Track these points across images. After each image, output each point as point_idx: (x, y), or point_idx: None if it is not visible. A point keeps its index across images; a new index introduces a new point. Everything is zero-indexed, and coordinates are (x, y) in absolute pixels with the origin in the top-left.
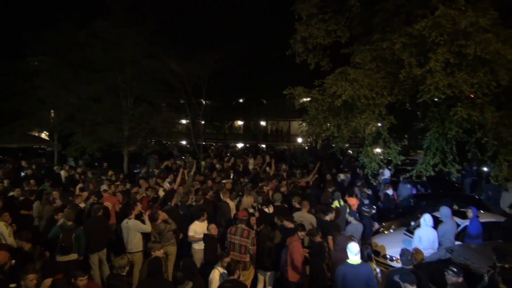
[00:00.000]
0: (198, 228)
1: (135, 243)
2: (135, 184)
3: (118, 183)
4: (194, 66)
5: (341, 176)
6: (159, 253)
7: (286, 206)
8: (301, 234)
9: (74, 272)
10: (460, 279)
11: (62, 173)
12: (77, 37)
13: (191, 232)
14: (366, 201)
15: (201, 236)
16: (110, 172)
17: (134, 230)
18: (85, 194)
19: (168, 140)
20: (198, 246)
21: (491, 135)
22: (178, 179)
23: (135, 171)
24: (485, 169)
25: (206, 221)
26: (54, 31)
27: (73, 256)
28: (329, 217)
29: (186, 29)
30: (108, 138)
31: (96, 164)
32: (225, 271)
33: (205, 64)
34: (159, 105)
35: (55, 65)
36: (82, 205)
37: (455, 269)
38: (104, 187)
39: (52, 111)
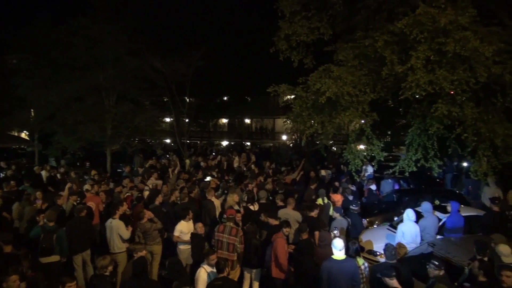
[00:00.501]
0: (183, 228)
1: (118, 243)
2: (118, 184)
3: (103, 183)
4: (178, 63)
5: (322, 172)
6: (141, 254)
7: (271, 203)
8: (286, 230)
9: (62, 278)
10: (442, 272)
11: (43, 173)
12: (56, 34)
13: (176, 233)
14: (351, 197)
15: (187, 236)
16: (93, 172)
17: (116, 230)
18: (66, 193)
19: (152, 139)
20: (184, 246)
21: (470, 131)
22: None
23: (119, 170)
24: (465, 164)
25: (191, 221)
26: (33, 29)
27: (55, 258)
28: (314, 213)
29: (169, 26)
30: (90, 137)
31: (78, 163)
32: (213, 270)
33: (189, 62)
34: (142, 103)
35: (35, 63)
36: (64, 205)
37: (436, 263)
38: (87, 187)
39: (32, 110)
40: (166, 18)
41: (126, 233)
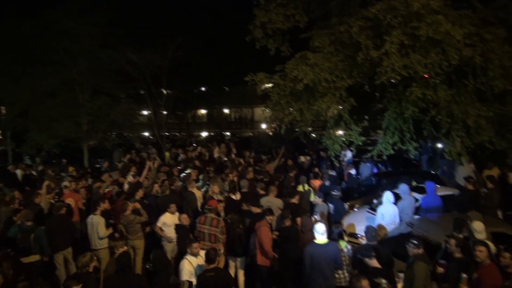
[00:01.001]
0: (168, 220)
1: (99, 239)
2: (97, 179)
3: (83, 179)
4: (153, 55)
5: (301, 159)
6: (123, 249)
7: (253, 192)
8: (269, 218)
9: (66, 282)
10: (421, 251)
11: (18, 172)
12: (25, 28)
13: (159, 223)
14: (327, 182)
15: (170, 229)
16: (71, 168)
17: (97, 226)
18: (44, 192)
19: (130, 132)
20: (167, 243)
21: (444, 113)
22: (144, 172)
23: (97, 165)
24: (440, 145)
25: (177, 213)
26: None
27: (35, 258)
28: (295, 199)
29: (143, 17)
30: (66, 133)
31: (54, 161)
32: (197, 260)
33: (164, 53)
34: (118, 97)
35: (4, 58)
36: (42, 204)
37: (415, 242)
38: (66, 183)
39: (3, 107)
40: (140, 9)
41: (104, 231)
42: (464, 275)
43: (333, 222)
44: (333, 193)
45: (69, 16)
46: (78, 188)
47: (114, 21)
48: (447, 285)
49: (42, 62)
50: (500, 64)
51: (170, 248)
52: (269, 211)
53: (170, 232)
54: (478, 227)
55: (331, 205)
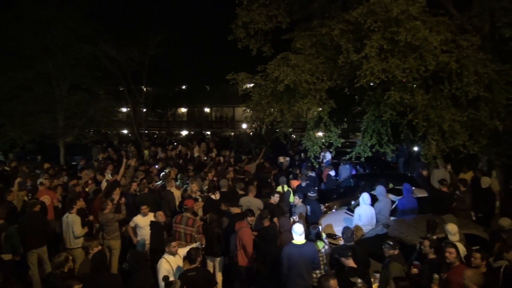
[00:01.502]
0: (140, 222)
1: (74, 238)
2: (73, 177)
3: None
4: (133, 51)
5: (280, 159)
6: (97, 249)
7: (232, 192)
8: (250, 219)
9: (68, 281)
10: (396, 251)
11: None
12: None
13: (132, 223)
14: (304, 183)
15: (142, 231)
16: (46, 165)
17: (72, 225)
18: (16, 189)
19: (108, 130)
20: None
21: (421, 117)
22: (121, 170)
23: (73, 163)
24: (416, 148)
25: (150, 214)
26: None
27: (7, 257)
28: (273, 200)
29: (123, 12)
30: (41, 129)
31: (29, 157)
32: (175, 260)
33: (144, 49)
34: (96, 93)
35: None
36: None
37: (391, 243)
38: (42, 180)
39: None
40: (120, 4)
41: (80, 230)
42: (436, 276)
43: (310, 223)
44: (309, 194)
45: (44, 6)
46: (54, 185)
47: (93, 15)
48: (407, 283)
49: (17, 54)
50: (474, 70)
51: (141, 249)
52: (250, 212)
53: (144, 234)
54: (452, 229)
55: (308, 207)
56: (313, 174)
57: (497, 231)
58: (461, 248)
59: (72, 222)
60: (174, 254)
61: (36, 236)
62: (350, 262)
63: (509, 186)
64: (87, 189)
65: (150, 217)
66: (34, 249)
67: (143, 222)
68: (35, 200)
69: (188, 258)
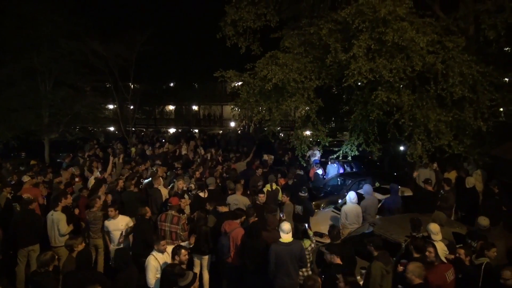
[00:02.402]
0: (110, 226)
1: (59, 236)
2: (57, 174)
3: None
4: (120, 47)
5: (264, 157)
6: (81, 246)
7: (220, 190)
8: (243, 219)
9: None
10: (380, 250)
11: None
12: None
13: (105, 228)
14: (290, 181)
15: (115, 234)
16: (32, 162)
17: (57, 223)
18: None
19: (95, 127)
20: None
21: (407, 117)
22: (109, 168)
23: (58, 160)
24: (402, 148)
25: (120, 217)
26: None
27: None
28: (258, 200)
29: (110, 8)
30: (25, 125)
31: (12, 154)
32: (162, 256)
33: (132, 46)
34: (82, 89)
35: None
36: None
37: (374, 242)
38: (25, 178)
39: None
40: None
41: (65, 228)
42: None
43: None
44: (300, 194)
45: (29, 1)
46: (38, 182)
47: (80, 10)
48: (354, 279)
49: (1, 49)
50: (459, 71)
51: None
52: (242, 212)
53: (114, 239)
54: (434, 229)
55: (299, 206)
56: (301, 172)
57: (475, 230)
58: (442, 247)
59: (57, 220)
60: (162, 252)
61: (29, 234)
62: (336, 260)
63: (490, 186)
64: (62, 187)
65: (122, 220)
66: (27, 246)
67: (112, 225)
68: (19, 197)
69: (172, 254)
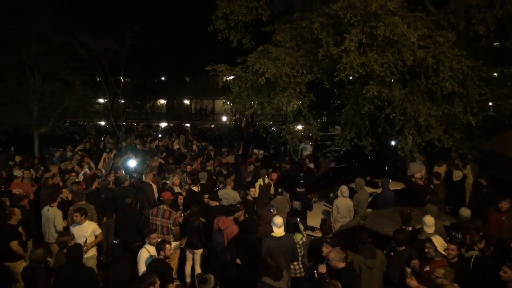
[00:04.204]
0: (75, 232)
1: (54, 232)
2: (46, 169)
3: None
4: (110, 41)
5: (255, 151)
6: (73, 241)
7: (212, 184)
8: (238, 214)
9: None
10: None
11: None
12: None
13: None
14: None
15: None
16: (17, 158)
17: (53, 219)
18: None
19: (85, 121)
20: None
21: (398, 111)
22: (101, 163)
23: (46, 155)
24: (393, 142)
25: (86, 222)
26: None
27: None
28: (249, 196)
29: (100, 0)
30: (14, 119)
31: (1, 149)
32: (154, 249)
33: (122, 39)
34: (72, 83)
35: None
36: None
37: (362, 236)
38: (16, 173)
39: None
40: None
41: (62, 224)
42: (408, 270)
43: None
44: (297, 189)
45: None
46: (27, 178)
47: (70, 3)
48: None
49: None
50: (449, 66)
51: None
52: (235, 208)
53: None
54: (429, 221)
55: (297, 202)
56: (287, 166)
57: (457, 221)
58: (439, 241)
59: (53, 216)
60: (154, 245)
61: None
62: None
63: (478, 180)
64: (50, 182)
65: (88, 227)
66: None
67: (77, 232)
68: (7, 192)
69: (156, 249)
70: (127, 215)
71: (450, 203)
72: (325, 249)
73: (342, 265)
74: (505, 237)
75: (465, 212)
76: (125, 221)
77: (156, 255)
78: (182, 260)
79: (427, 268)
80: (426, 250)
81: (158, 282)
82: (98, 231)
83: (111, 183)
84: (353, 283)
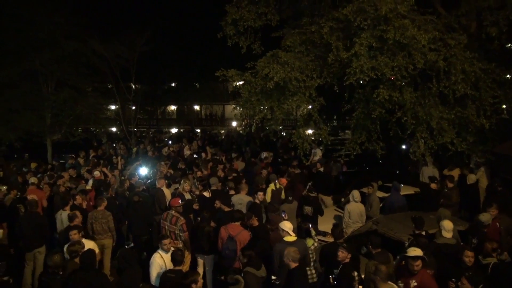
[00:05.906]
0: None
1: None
2: (59, 176)
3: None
4: (121, 47)
5: (264, 154)
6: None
7: (223, 190)
8: (250, 221)
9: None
10: (379, 250)
11: None
12: None
13: None
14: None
15: None
16: (33, 164)
17: (66, 222)
18: (5, 188)
19: (97, 127)
20: None
21: (409, 114)
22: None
23: (61, 161)
24: (404, 146)
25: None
26: None
27: None
28: (257, 199)
29: (111, 8)
30: (28, 126)
31: (16, 155)
32: (167, 255)
33: (133, 46)
34: (84, 90)
35: None
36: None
37: (375, 241)
38: (32, 179)
39: None
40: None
41: None
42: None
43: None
44: (310, 194)
45: (28, 2)
46: (43, 184)
47: (80, 11)
48: (251, 252)
49: (1, 51)
50: (461, 69)
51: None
52: (241, 214)
53: None
54: (448, 226)
55: (308, 207)
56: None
57: (475, 226)
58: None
59: (66, 219)
60: (165, 251)
61: (35, 237)
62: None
63: (493, 183)
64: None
65: (85, 245)
66: (34, 249)
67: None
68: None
69: (172, 259)
70: (135, 210)
71: (465, 207)
72: (341, 254)
73: (294, 265)
74: (505, 240)
75: (483, 217)
76: (135, 217)
77: (166, 261)
78: (193, 266)
79: (414, 283)
80: (412, 268)
81: (200, 281)
82: (96, 250)
83: (126, 191)
84: (304, 284)
